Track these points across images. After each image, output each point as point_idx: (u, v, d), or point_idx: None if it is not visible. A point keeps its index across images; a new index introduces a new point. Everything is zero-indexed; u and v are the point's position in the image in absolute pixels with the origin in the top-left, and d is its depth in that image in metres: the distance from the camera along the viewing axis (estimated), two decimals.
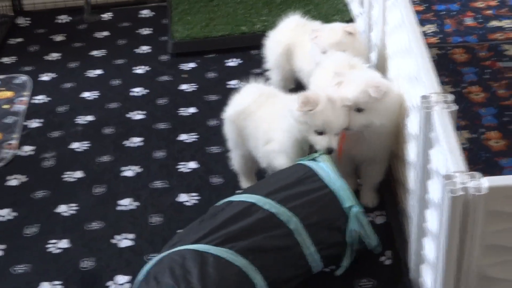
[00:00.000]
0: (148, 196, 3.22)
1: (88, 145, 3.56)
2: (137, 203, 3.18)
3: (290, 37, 3.53)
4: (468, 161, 3.26)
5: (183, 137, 3.57)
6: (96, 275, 2.84)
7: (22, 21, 4.73)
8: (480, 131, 3.52)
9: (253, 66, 4.02)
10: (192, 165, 3.38)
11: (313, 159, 2.78)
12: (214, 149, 3.47)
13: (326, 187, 2.69)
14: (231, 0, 4.57)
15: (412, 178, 2.60)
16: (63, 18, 4.72)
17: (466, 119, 3.60)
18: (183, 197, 3.19)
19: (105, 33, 4.54)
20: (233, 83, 3.96)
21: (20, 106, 3.86)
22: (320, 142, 2.77)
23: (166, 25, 4.46)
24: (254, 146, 3.02)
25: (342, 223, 2.67)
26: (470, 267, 2.10)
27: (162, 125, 3.66)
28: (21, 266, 2.90)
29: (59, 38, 4.52)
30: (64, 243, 3.00)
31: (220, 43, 4.23)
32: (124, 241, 2.99)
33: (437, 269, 2.16)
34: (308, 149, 2.84)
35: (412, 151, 2.60)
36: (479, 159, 3.36)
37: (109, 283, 2.80)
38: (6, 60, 4.32)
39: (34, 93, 3.99)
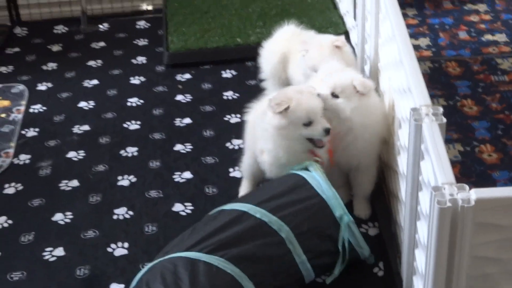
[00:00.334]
0: (143, 205, 3.25)
1: (84, 154, 3.59)
2: (132, 212, 3.21)
3: (285, 47, 3.58)
4: (461, 174, 3.36)
5: (178, 147, 3.60)
6: (91, 283, 2.87)
7: (19, 31, 4.76)
8: (473, 144, 3.56)
9: (248, 78, 4.06)
10: (187, 175, 3.41)
11: (305, 169, 2.82)
12: (209, 160, 3.51)
13: (317, 195, 2.72)
14: (226, 12, 4.62)
15: (404, 189, 2.63)
16: (60, 28, 4.76)
17: (459, 132, 3.65)
18: (178, 207, 3.23)
19: (102, 44, 4.58)
20: (228, 94, 3.99)
21: (17, 115, 3.90)
22: (315, 130, 2.82)
23: (162, 36, 4.50)
24: (260, 153, 3.04)
25: (333, 232, 2.70)
26: (460, 279, 2.13)
27: (157, 135, 3.70)
28: (17, 273, 2.93)
29: (55, 48, 4.56)
30: (59, 251, 3.03)
31: (215, 55, 4.27)
32: (119, 249, 3.02)
33: (427, 280, 2.19)
34: (308, 146, 2.87)
35: (404, 163, 2.64)
36: (472, 172, 3.40)
37: None
38: (3, 69, 4.35)
39: (31, 102, 4.02)
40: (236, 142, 3.61)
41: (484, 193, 2.02)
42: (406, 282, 2.65)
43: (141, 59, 4.39)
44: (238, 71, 4.18)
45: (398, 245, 2.84)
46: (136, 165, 3.50)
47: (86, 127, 3.79)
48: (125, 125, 3.79)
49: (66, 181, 3.41)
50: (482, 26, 4.55)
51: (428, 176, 2.24)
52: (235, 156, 3.49)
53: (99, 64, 4.36)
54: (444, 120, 2.33)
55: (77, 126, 3.80)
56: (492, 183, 3.30)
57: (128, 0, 4.92)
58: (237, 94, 4.00)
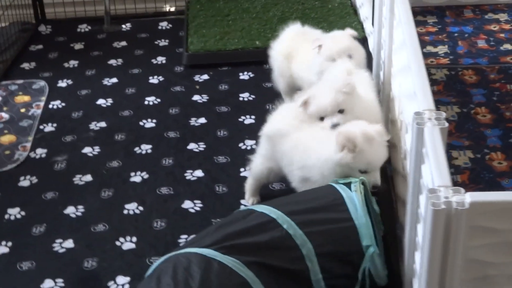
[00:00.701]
0: (153, 201, 3.30)
1: (99, 150, 3.66)
2: (142, 208, 3.27)
3: (291, 46, 3.65)
4: (470, 181, 3.37)
5: (191, 146, 3.66)
6: (98, 275, 2.93)
7: (43, 28, 4.86)
8: (484, 151, 3.57)
9: (265, 80, 4.10)
10: (198, 173, 3.46)
11: (348, 184, 2.75)
12: (221, 159, 3.55)
13: (350, 220, 2.65)
14: (247, 15, 4.67)
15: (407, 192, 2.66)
16: (83, 27, 4.85)
17: (471, 139, 3.66)
18: (187, 204, 3.28)
19: (123, 43, 4.65)
20: (244, 95, 4.05)
21: (36, 110, 3.98)
22: (367, 179, 2.80)
23: (182, 37, 4.57)
24: (288, 166, 3.03)
25: (356, 259, 2.64)
26: (453, 281, 2.14)
27: (172, 134, 3.76)
28: (27, 262, 3.00)
29: (78, 46, 4.65)
30: (69, 243, 3.09)
31: (233, 57, 4.33)
32: (127, 243, 3.07)
33: (420, 282, 2.22)
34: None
35: (408, 167, 2.67)
36: (481, 179, 3.40)
37: (110, 283, 2.89)
38: (26, 65, 4.45)
39: (51, 98, 4.11)
40: (249, 142, 3.65)
41: (478, 197, 2.04)
42: (406, 285, 2.67)
43: (161, 59, 4.46)
44: (256, 73, 4.23)
45: (402, 249, 2.86)
46: (149, 162, 3.56)
47: (102, 124, 3.86)
48: (141, 123, 3.85)
49: (80, 176, 3.48)
50: (502, 35, 4.55)
51: (427, 179, 2.27)
52: (247, 157, 3.54)
53: (119, 63, 4.43)
54: (446, 124, 2.35)
55: (94, 122, 3.88)
56: (500, 190, 3.29)
57: (151, 1, 4.99)
58: (253, 96, 4.05)
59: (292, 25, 3.75)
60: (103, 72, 4.34)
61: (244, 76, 4.24)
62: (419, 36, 4.47)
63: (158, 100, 4.05)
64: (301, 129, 3.03)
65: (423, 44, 4.48)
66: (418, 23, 4.71)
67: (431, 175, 2.16)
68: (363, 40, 4.28)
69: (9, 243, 3.11)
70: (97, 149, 3.67)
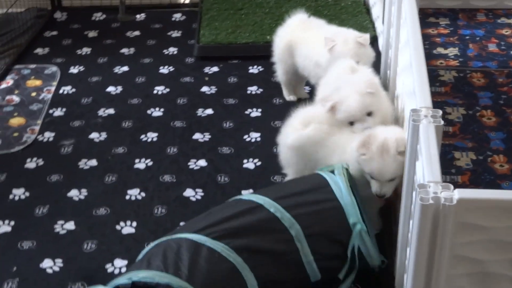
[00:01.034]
0: (155, 188, 3.35)
1: (106, 136, 3.72)
2: (144, 194, 3.31)
3: (292, 34, 3.72)
4: (471, 182, 3.39)
5: (197, 136, 3.70)
6: (97, 257, 2.98)
7: (59, 15, 4.93)
8: (486, 153, 3.59)
9: (274, 74, 4.13)
10: (202, 163, 3.51)
11: (332, 171, 2.83)
12: (225, 150, 3.60)
13: (334, 199, 2.72)
14: (260, 10, 4.71)
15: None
16: (98, 16, 4.91)
17: (475, 141, 3.67)
18: (189, 192, 3.32)
19: (136, 33, 4.71)
20: (252, 89, 4.08)
21: (46, 95, 4.05)
22: (372, 185, 2.82)
23: (195, 29, 4.61)
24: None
25: (344, 238, 2.70)
26: (439, 277, 2.17)
27: (178, 123, 3.80)
28: (28, 242, 3.06)
29: (92, 34, 4.71)
30: (70, 225, 3.15)
31: (243, 50, 4.37)
32: (127, 228, 3.13)
33: (407, 276, 2.25)
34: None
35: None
36: (482, 180, 3.42)
37: (108, 265, 2.94)
38: (39, 51, 4.51)
39: (62, 83, 4.17)
40: (253, 135, 3.69)
41: (467, 194, 2.06)
42: (398, 280, 2.70)
43: (173, 50, 4.50)
44: (265, 68, 4.26)
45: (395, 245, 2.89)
46: (154, 150, 3.61)
47: (111, 111, 3.92)
48: (148, 112, 3.90)
49: (85, 160, 3.54)
50: None
51: (419, 175, 2.30)
52: (251, 149, 3.59)
53: (131, 52, 4.49)
54: (442, 122, 2.38)
55: (102, 109, 3.93)
56: None
57: None
58: (261, 90, 4.09)
59: (298, 13, 3.81)
60: (114, 61, 4.40)
61: (253, 69, 4.28)
62: (430, 37, 4.57)
63: (167, 90, 4.10)
64: (332, 134, 3.02)
65: (433, 45, 4.51)
66: (430, 25, 4.73)
67: (422, 171, 2.19)
68: (373, 39, 4.31)
69: (12, 223, 3.17)
70: (104, 135, 3.73)
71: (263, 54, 4.31)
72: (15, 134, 3.72)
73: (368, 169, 2.80)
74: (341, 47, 3.41)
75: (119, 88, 4.12)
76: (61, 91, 4.10)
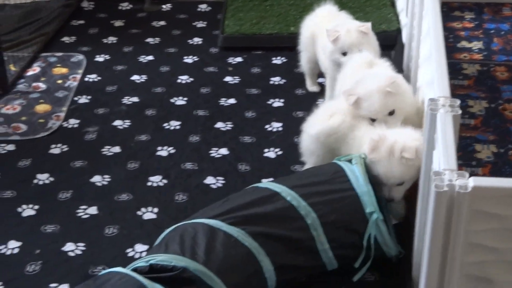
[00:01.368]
0: (177, 175, 3.39)
1: (129, 123, 3.77)
2: (166, 181, 3.36)
3: (317, 24, 3.74)
4: (491, 174, 3.40)
5: (219, 124, 3.74)
6: (118, 241, 3.03)
7: (86, 5, 4.98)
8: (508, 147, 3.58)
9: (297, 65, 4.15)
10: (223, 151, 3.54)
11: (349, 161, 2.86)
12: (247, 139, 3.63)
13: (351, 189, 2.74)
14: (285, 1, 4.73)
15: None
16: (125, 6, 4.96)
17: (496, 134, 3.67)
18: (209, 180, 3.36)
19: (162, 23, 4.75)
20: (275, 79, 4.11)
21: (72, 83, 4.11)
22: (382, 189, 2.85)
23: (220, 20, 4.65)
24: None
25: (361, 227, 2.72)
26: (454, 264, 2.19)
27: (201, 112, 3.84)
28: (51, 226, 3.12)
29: (118, 23, 4.76)
30: (93, 210, 3.20)
31: (267, 41, 4.39)
32: (148, 213, 3.17)
33: (423, 264, 2.26)
34: None
35: None
36: (502, 173, 3.42)
37: (128, 250, 2.99)
38: (66, 39, 4.58)
39: (87, 71, 4.22)
40: (275, 125, 3.72)
41: (482, 182, 2.08)
42: (415, 269, 2.72)
43: (197, 40, 4.54)
44: (288, 59, 4.29)
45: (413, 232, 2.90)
46: (177, 138, 3.65)
47: (135, 99, 3.96)
48: (172, 100, 3.95)
49: (108, 147, 3.59)
50: None
51: (436, 164, 2.31)
52: (272, 138, 3.62)
53: (157, 42, 4.53)
54: (460, 112, 2.39)
55: (127, 97, 3.98)
56: None
57: None
58: (284, 80, 4.11)
59: (328, 5, 3.84)
60: (140, 50, 4.44)
61: (277, 60, 4.30)
62: (455, 31, 4.57)
63: (191, 79, 4.14)
64: (357, 126, 3.04)
65: (458, 39, 4.50)
66: (455, 18, 4.72)
67: (438, 159, 2.21)
68: (397, 32, 4.32)
69: (36, 206, 3.23)
70: (127, 122, 3.77)
71: (287, 45, 4.34)
72: (41, 120, 3.78)
73: (376, 171, 2.82)
74: (345, 37, 3.44)
75: (144, 77, 4.17)
76: (86, 79, 4.16)
